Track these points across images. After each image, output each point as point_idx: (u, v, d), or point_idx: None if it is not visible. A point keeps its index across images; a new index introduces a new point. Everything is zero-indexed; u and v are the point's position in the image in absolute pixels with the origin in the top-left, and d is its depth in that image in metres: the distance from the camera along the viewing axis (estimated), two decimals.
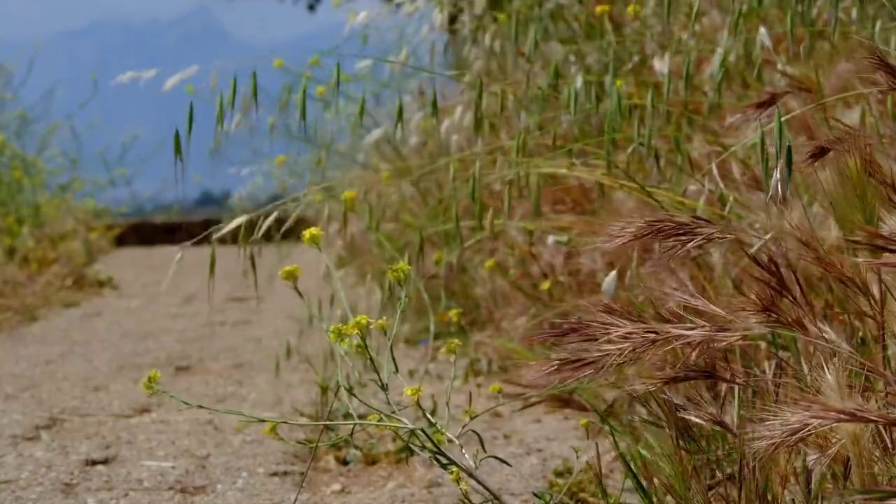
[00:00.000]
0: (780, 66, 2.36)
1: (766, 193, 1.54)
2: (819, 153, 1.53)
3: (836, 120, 1.97)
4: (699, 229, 1.45)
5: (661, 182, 2.43)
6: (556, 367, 1.40)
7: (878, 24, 2.12)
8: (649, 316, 1.40)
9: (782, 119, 1.50)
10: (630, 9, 2.61)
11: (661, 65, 2.59)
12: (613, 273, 2.13)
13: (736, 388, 1.54)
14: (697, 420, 1.51)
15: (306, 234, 1.67)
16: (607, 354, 1.38)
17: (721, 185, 2.13)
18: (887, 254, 1.28)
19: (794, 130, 1.91)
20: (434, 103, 2.14)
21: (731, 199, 2.12)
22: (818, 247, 1.38)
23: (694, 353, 1.41)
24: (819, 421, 1.22)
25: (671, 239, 1.46)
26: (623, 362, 1.38)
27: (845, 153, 1.39)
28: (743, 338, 1.39)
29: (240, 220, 2.18)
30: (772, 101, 1.79)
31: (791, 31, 2.06)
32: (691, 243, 1.45)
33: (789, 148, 1.50)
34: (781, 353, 1.80)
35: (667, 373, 1.45)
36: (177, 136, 1.97)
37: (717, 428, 1.52)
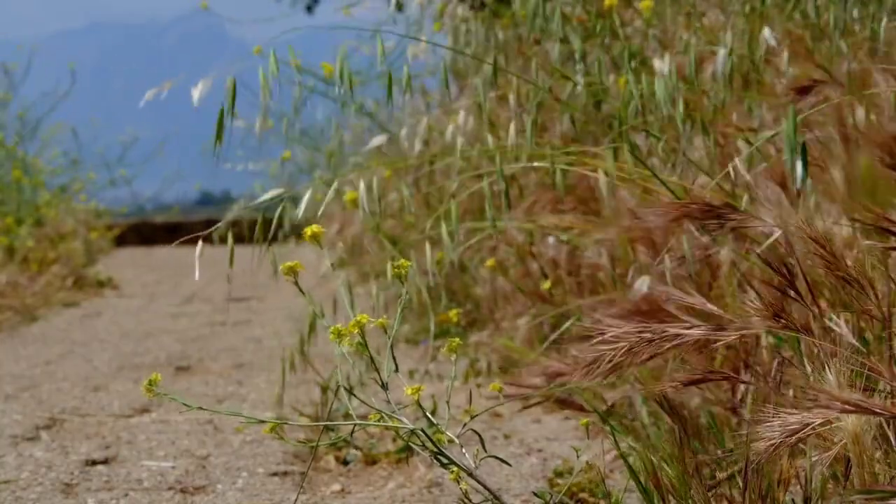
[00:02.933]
0: (789, 63, 2.35)
1: (797, 182, 1.53)
2: (802, 91, 1.52)
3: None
4: (731, 214, 1.45)
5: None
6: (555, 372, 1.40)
7: (883, 22, 2.11)
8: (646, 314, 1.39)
9: (818, 108, 1.49)
10: (644, 4, 2.61)
11: (661, 64, 2.58)
12: (644, 277, 2.12)
13: (749, 387, 1.53)
14: (712, 407, 1.50)
15: (307, 231, 1.66)
16: (601, 356, 1.37)
17: (733, 180, 2.13)
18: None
19: (818, 124, 1.90)
20: (446, 81, 2.12)
21: (744, 196, 2.11)
22: (826, 243, 1.37)
23: (692, 353, 1.41)
24: (824, 412, 1.22)
25: (711, 221, 1.45)
26: (619, 362, 1.37)
27: (863, 144, 1.38)
28: (741, 337, 1.38)
29: (236, 215, 2.18)
30: (811, 87, 1.78)
31: (835, 24, 2.05)
32: (726, 227, 1.45)
33: (804, 144, 1.49)
34: (784, 354, 1.79)
35: (686, 375, 1.43)
36: (220, 123, 1.96)
37: (732, 417, 1.51)
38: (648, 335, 1.37)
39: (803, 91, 1.80)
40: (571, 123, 2.67)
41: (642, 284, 2.12)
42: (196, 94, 2.52)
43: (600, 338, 1.37)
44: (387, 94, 2.03)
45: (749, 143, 2.20)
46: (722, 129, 2.43)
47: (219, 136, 1.98)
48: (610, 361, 1.37)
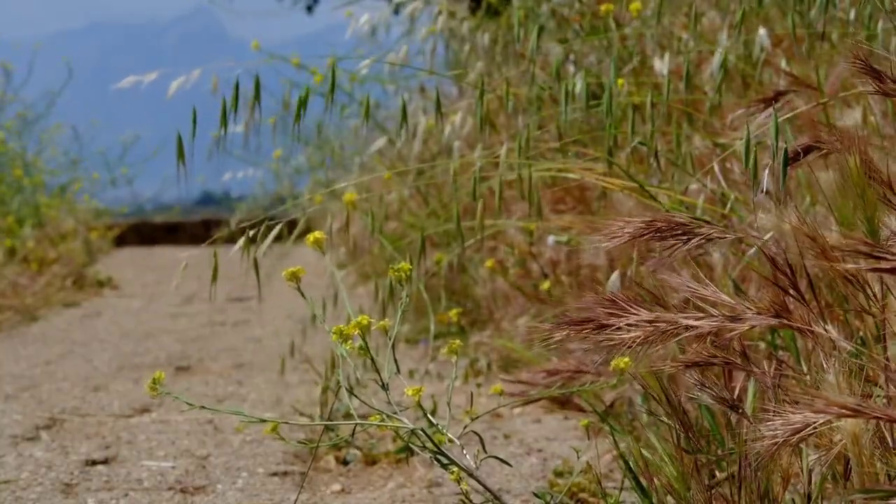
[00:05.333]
0: (783, 65, 2.35)
1: (755, 190, 1.53)
2: (802, 154, 1.53)
3: (830, 124, 1.96)
4: (698, 229, 1.45)
5: (661, 181, 2.43)
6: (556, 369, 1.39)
7: (880, 24, 2.11)
8: (656, 305, 1.39)
9: (786, 116, 1.50)
10: (633, 6, 2.61)
11: (660, 65, 2.59)
12: (616, 273, 2.13)
13: (752, 380, 1.53)
14: (711, 402, 1.49)
15: (310, 237, 1.66)
16: (618, 343, 1.37)
17: (723, 183, 2.13)
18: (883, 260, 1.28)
19: (797, 129, 1.91)
20: (438, 102, 2.14)
21: (731, 197, 2.11)
22: (824, 243, 1.37)
23: (703, 344, 1.40)
24: (822, 416, 1.22)
25: (670, 239, 1.45)
26: (633, 350, 1.37)
27: (845, 153, 1.38)
28: (751, 328, 1.38)
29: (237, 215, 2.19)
30: (776, 98, 1.79)
31: (794, 31, 2.06)
32: (691, 243, 1.44)
33: (785, 149, 1.50)
34: (782, 354, 1.79)
35: (689, 357, 1.43)
36: (179, 141, 1.97)
37: (731, 412, 1.51)
38: (663, 325, 1.36)
39: (769, 101, 1.81)
40: (567, 126, 2.68)
41: (615, 282, 2.13)
42: (172, 89, 2.52)
43: (615, 326, 1.37)
44: (364, 117, 2.07)
45: (718, 145, 2.21)
46: (717, 130, 2.43)
47: (222, 128, 1.99)
48: (628, 347, 1.37)
